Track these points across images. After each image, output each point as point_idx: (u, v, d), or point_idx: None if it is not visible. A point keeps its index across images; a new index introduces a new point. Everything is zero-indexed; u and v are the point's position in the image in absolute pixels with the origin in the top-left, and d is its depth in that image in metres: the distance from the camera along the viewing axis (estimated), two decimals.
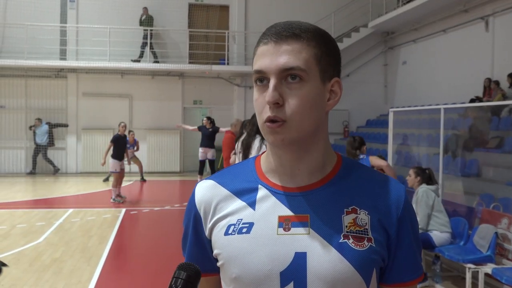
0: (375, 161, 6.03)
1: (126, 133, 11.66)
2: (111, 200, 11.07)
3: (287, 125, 1.09)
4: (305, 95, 1.10)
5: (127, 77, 17.04)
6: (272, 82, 1.09)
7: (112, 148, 10.97)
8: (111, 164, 10.97)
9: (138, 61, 16.58)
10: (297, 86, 1.09)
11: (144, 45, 16.65)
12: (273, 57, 1.10)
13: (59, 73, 16.72)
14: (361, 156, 6.03)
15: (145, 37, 16.61)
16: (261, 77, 1.12)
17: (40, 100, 16.75)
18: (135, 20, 16.79)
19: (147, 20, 16.61)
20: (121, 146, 11.06)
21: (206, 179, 1.26)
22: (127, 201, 11.24)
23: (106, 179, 14.66)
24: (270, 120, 1.10)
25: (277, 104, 1.09)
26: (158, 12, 16.95)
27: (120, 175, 11.08)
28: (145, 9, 16.68)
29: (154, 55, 16.74)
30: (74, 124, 16.89)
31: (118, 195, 11.25)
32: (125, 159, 11.50)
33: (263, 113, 1.11)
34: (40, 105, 16.73)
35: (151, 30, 16.48)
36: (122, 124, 11.27)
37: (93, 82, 16.92)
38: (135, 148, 14.71)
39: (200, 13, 17.53)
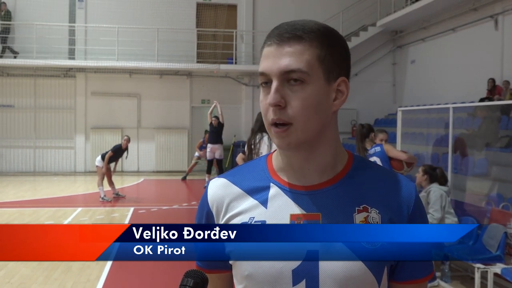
0: (392, 151, 5.74)
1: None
2: (100, 199, 11.06)
3: (292, 128, 1.11)
4: (307, 97, 1.10)
5: (136, 77, 17.09)
6: (274, 85, 1.11)
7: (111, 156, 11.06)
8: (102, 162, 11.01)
9: (1, 57, 16.25)
10: (299, 88, 1.11)
11: (3, 40, 16.36)
12: (275, 59, 1.11)
13: (68, 72, 16.80)
14: (372, 150, 5.79)
15: (3, 31, 16.33)
16: (265, 79, 1.13)
17: (49, 100, 16.84)
18: (144, 19, 16.82)
19: (6, 15, 16.32)
20: (117, 156, 11.23)
21: (218, 177, 1.27)
22: (135, 200, 11.28)
23: (184, 178, 15.03)
24: (275, 124, 1.11)
25: (279, 106, 1.10)
26: (166, 11, 16.98)
27: (107, 174, 11.05)
28: (4, 4, 16.35)
29: (12, 50, 16.35)
30: (83, 123, 16.97)
31: (115, 194, 11.33)
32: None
33: (268, 115, 1.13)
34: (48, 105, 16.83)
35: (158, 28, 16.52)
36: (126, 137, 11.30)
37: (102, 81, 16.98)
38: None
39: (208, 13, 17.54)
